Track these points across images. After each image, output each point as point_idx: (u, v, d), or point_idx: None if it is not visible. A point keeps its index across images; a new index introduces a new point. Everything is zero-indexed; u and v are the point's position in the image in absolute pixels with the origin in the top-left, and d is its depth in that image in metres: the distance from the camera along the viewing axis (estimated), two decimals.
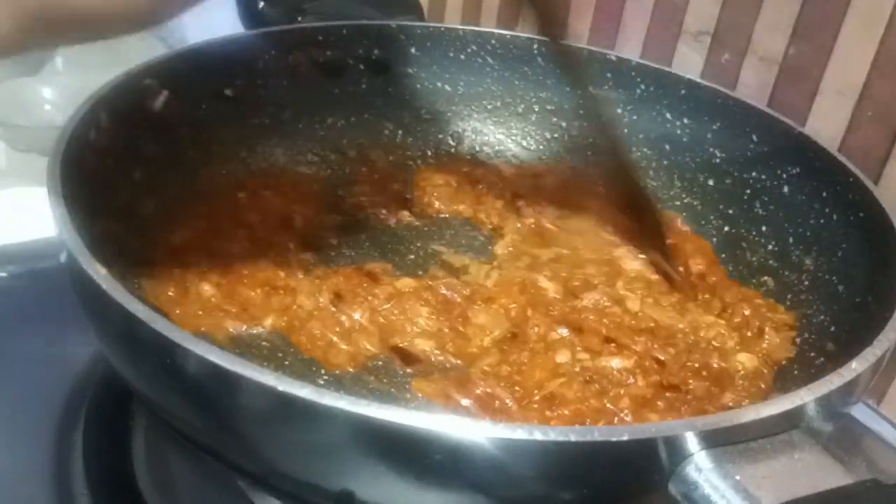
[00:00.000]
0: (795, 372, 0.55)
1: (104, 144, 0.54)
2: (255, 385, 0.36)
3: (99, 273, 0.41)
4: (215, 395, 0.38)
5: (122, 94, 0.57)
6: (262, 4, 0.80)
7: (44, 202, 0.78)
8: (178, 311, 0.53)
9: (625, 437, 0.36)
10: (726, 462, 0.37)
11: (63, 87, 1.02)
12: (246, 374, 0.36)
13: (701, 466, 0.37)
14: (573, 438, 0.35)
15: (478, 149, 0.77)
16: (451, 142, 0.77)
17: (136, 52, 1.21)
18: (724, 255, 0.66)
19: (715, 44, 0.73)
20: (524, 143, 0.77)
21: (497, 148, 0.78)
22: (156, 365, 0.39)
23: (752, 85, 0.71)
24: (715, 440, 0.37)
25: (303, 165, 0.71)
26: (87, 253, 0.42)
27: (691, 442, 0.37)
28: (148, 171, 0.59)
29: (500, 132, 0.78)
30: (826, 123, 0.66)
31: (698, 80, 0.71)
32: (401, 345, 0.55)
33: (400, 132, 0.76)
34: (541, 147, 0.77)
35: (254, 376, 0.36)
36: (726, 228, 0.68)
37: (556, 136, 0.77)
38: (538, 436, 0.35)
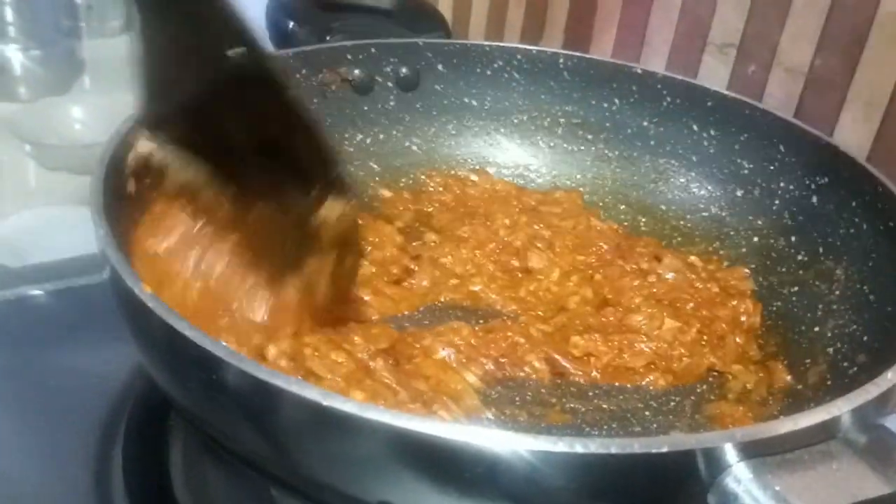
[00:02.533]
0: (829, 382, 0.55)
1: (144, 163, 0.55)
2: (299, 399, 0.36)
3: (143, 291, 0.41)
4: (259, 409, 0.39)
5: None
6: (291, 25, 0.81)
7: (74, 220, 0.80)
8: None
9: (664, 449, 0.36)
10: (765, 473, 0.37)
11: (92, 106, 1.03)
12: (291, 389, 0.36)
13: (740, 477, 0.37)
14: (613, 451, 0.36)
15: (503, 162, 0.78)
16: (480, 156, 0.78)
17: None
18: (753, 266, 0.67)
19: (741, 56, 0.74)
20: (550, 158, 0.78)
21: (523, 162, 0.78)
22: (200, 380, 0.40)
23: (779, 96, 0.72)
24: (753, 451, 0.37)
25: None
26: (131, 271, 0.43)
27: (730, 453, 0.37)
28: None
29: (527, 146, 0.78)
30: (854, 133, 0.66)
31: (724, 91, 0.71)
32: None
33: (427, 148, 0.78)
34: (567, 160, 0.78)
35: (299, 391, 0.36)
36: (755, 239, 0.68)
37: (581, 148, 0.77)
38: (579, 448, 0.36)
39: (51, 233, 0.81)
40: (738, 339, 0.60)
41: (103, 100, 1.03)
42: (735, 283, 0.65)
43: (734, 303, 0.62)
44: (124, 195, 0.52)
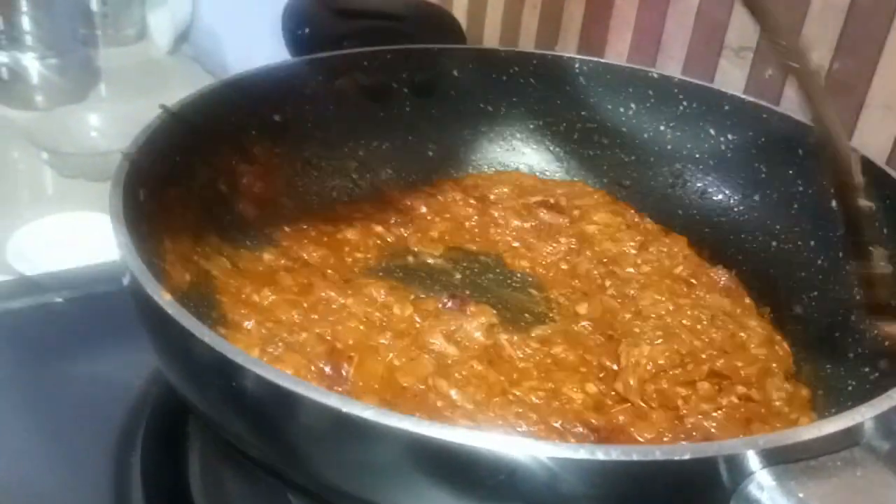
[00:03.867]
0: (850, 388, 0.54)
1: (161, 172, 0.55)
2: (319, 406, 0.36)
3: (164, 299, 0.41)
4: (279, 416, 0.39)
5: (178, 122, 0.58)
6: (306, 31, 0.82)
7: (92, 227, 0.80)
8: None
9: (687, 456, 0.36)
10: (788, 480, 0.37)
11: (108, 113, 1.04)
12: (310, 396, 0.36)
13: (763, 484, 0.36)
14: (636, 458, 0.35)
15: (520, 168, 0.78)
16: (496, 162, 0.78)
17: (178, 79, 1.24)
18: (771, 271, 0.66)
19: (757, 59, 0.74)
20: (567, 163, 0.78)
21: (539, 167, 0.78)
22: (219, 387, 0.40)
23: (796, 100, 0.71)
24: (776, 458, 0.37)
25: (349, 188, 0.72)
26: (152, 279, 0.43)
27: (752, 460, 0.37)
28: (203, 195, 0.60)
29: (543, 151, 0.78)
30: (873, 137, 0.66)
31: (742, 95, 0.71)
32: None
33: (442, 154, 0.78)
34: (583, 165, 0.77)
35: (318, 398, 0.36)
36: (774, 244, 0.67)
37: (598, 153, 0.77)
38: (600, 455, 0.35)
39: (68, 240, 0.82)
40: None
41: (119, 108, 1.04)
42: None
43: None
44: (143, 202, 0.52)
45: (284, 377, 0.37)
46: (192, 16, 1.26)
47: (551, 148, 0.78)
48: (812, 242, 0.65)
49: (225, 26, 1.18)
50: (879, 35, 0.64)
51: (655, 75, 0.74)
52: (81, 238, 0.81)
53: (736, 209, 0.71)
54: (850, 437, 0.39)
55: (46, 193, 0.99)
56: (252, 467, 0.47)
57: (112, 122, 1.00)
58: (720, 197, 0.72)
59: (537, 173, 0.78)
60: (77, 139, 1.00)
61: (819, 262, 0.64)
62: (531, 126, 0.78)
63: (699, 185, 0.73)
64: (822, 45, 0.68)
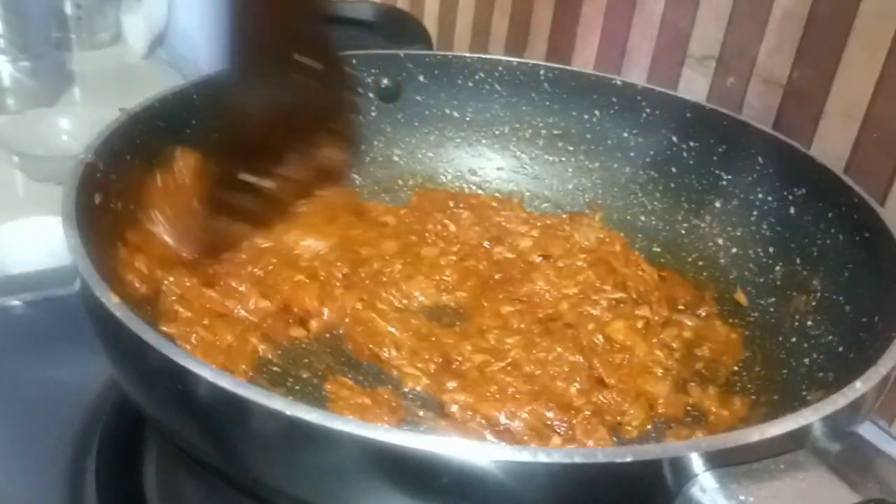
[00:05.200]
0: (804, 393, 0.55)
1: (120, 174, 0.55)
2: (265, 410, 0.36)
3: (112, 302, 0.41)
4: (226, 420, 0.39)
5: (137, 125, 0.58)
6: None
7: (61, 231, 0.80)
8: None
9: (629, 459, 0.36)
10: (731, 483, 0.37)
11: (80, 117, 1.03)
12: (256, 400, 0.36)
13: (706, 487, 0.37)
14: (577, 460, 0.36)
15: (485, 173, 0.79)
16: (462, 167, 0.79)
17: (153, 83, 1.23)
18: (732, 276, 0.67)
19: (720, 68, 0.74)
20: (531, 169, 0.78)
21: (504, 172, 0.79)
22: (168, 391, 0.40)
23: (758, 108, 0.72)
24: (720, 460, 0.37)
25: None
26: (101, 282, 0.43)
27: (696, 462, 0.37)
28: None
29: (508, 157, 0.79)
30: (831, 145, 0.67)
31: (704, 103, 0.72)
32: None
33: (408, 158, 0.78)
34: (548, 171, 0.78)
35: (263, 401, 0.36)
36: (734, 250, 0.68)
37: (562, 160, 0.78)
38: (542, 458, 0.36)
39: (37, 243, 0.81)
40: None
41: (91, 111, 1.03)
42: None
43: None
44: (100, 205, 0.52)
45: (230, 380, 0.37)
46: (167, 20, 1.25)
47: (517, 154, 0.78)
48: (771, 248, 0.65)
49: (201, 31, 1.18)
50: (838, 44, 0.65)
51: (619, 83, 0.74)
52: (50, 242, 0.80)
53: (696, 215, 0.71)
54: (795, 440, 0.39)
55: (16, 196, 0.98)
56: (208, 473, 0.47)
57: (84, 126, 0.98)
58: (682, 203, 0.72)
59: (502, 179, 0.79)
60: (48, 142, 1.00)
61: (777, 267, 0.64)
62: (497, 132, 0.78)
63: (661, 190, 0.73)
64: (782, 54, 0.69)
